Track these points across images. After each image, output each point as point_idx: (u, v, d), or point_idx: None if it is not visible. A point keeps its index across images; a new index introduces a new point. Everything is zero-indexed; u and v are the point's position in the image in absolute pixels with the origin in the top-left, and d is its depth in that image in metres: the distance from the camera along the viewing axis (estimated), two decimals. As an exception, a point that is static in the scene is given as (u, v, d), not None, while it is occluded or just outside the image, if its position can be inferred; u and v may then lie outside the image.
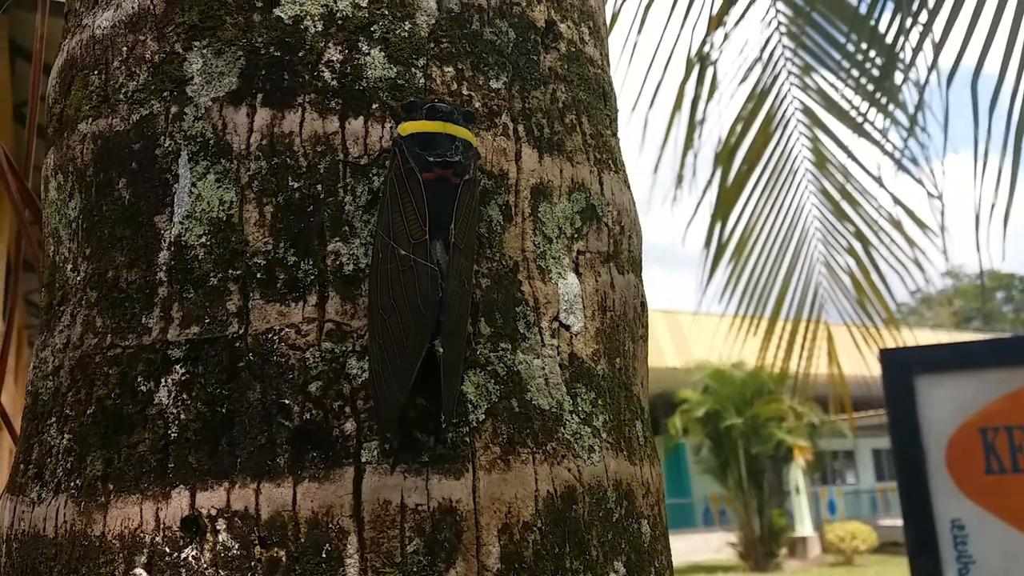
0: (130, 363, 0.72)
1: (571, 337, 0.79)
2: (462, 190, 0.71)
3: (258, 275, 0.72)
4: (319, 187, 0.74)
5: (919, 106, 3.54)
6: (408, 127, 0.72)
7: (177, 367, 0.71)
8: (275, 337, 0.70)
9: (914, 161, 3.99)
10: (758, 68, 4.34)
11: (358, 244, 0.73)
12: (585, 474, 0.75)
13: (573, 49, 0.90)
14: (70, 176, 0.82)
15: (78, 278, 0.79)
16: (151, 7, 0.80)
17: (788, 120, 4.43)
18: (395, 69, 0.77)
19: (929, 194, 4.03)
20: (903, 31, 3.55)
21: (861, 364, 4.72)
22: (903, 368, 3.74)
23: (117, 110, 0.79)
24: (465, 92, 0.79)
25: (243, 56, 0.76)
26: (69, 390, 0.76)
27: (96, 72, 0.82)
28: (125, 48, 0.80)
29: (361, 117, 0.75)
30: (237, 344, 0.70)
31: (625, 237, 0.90)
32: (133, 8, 0.81)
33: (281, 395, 0.69)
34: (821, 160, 4.48)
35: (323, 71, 0.76)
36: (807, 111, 4.38)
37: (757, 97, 4.36)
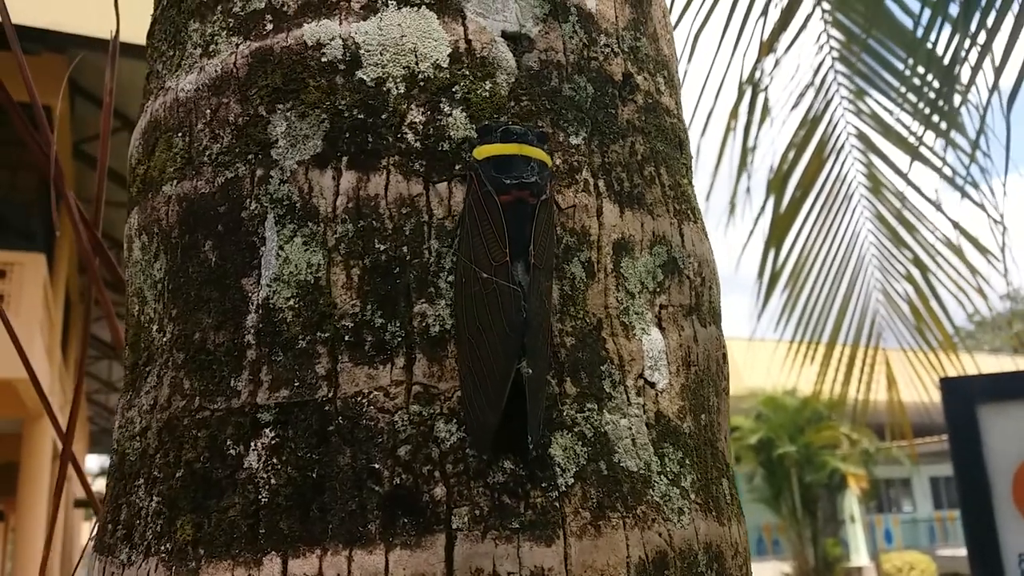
0: (219, 426, 0.73)
1: (657, 395, 0.78)
2: (539, 210, 0.71)
3: (346, 337, 0.72)
4: (404, 249, 0.74)
5: (981, 130, 3.46)
6: (484, 151, 0.72)
7: (267, 431, 0.71)
8: (364, 400, 0.70)
9: (974, 184, 3.90)
10: (810, 93, 4.30)
11: (443, 305, 0.73)
12: (676, 538, 0.74)
13: (650, 100, 0.89)
14: (155, 237, 0.83)
15: (164, 339, 0.79)
16: (234, 71, 0.81)
17: (842, 146, 4.37)
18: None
19: (991, 218, 3.93)
20: (961, 52, 3.49)
21: (920, 390, 4.61)
22: (965, 397, 3.64)
23: (202, 172, 0.80)
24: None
25: (327, 119, 0.77)
26: (157, 452, 0.76)
27: (180, 134, 0.83)
28: (208, 111, 0.82)
29: (445, 179, 0.76)
30: (327, 408, 0.70)
31: (706, 288, 0.88)
32: (216, 71, 0.82)
33: (371, 459, 0.68)
34: (876, 185, 4.41)
35: (406, 133, 0.76)
36: (861, 136, 4.32)
37: (810, 123, 4.32)
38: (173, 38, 0.89)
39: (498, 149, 0.72)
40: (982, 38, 3.34)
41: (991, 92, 3.44)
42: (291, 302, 0.73)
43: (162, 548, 0.72)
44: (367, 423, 0.70)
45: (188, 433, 0.74)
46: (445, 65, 0.79)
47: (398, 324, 0.72)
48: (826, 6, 4.05)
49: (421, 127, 0.77)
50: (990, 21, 3.29)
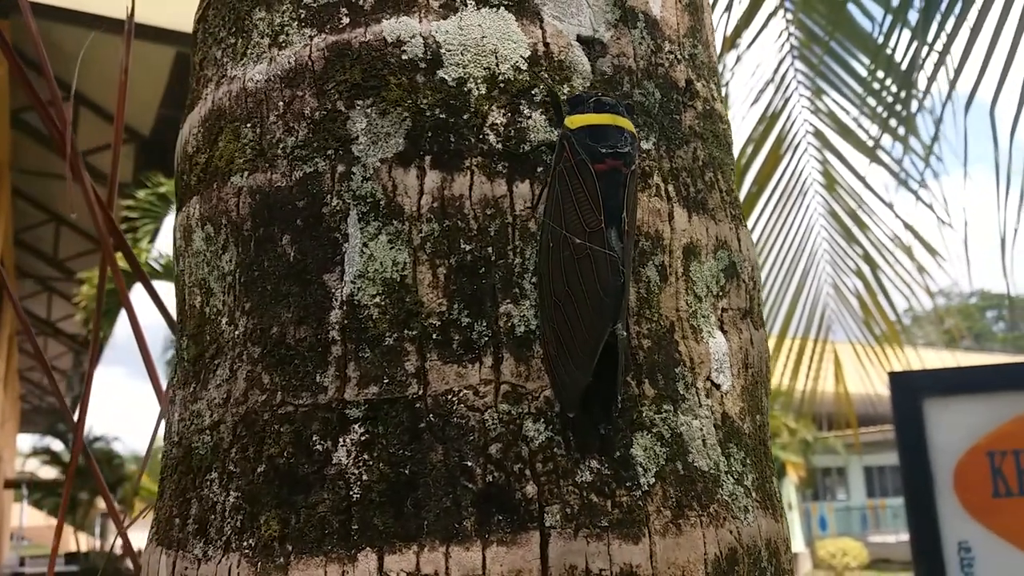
0: (304, 422, 0.73)
1: (722, 396, 0.81)
2: (630, 180, 0.73)
3: (434, 336, 0.73)
4: (490, 249, 0.75)
5: (936, 137, 3.59)
6: (577, 120, 0.74)
7: (356, 427, 0.71)
8: (454, 398, 0.71)
9: (925, 186, 4.03)
10: (770, 90, 4.38)
11: (528, 306, 0.74)
12: (744, 535, 0.77)
13: (708, 107, 0.91)
14: (223, 228, 0.82)
15: (236, 332, 0.79)
16: (309, 63, 0.81)
17: (799, 143, 4.47)
18: (556, 132, 0.78)
19: (940, 220, 4.08)
20: (919, 59, 3.60)
21: (865, 382, 4.76)
22: (911, 391, 3.78)
23: (276, 165, 0.80)
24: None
25: (408, 117, 0.77)
26: (232, 446, 0.76)
27: (249, 125, 0.82)
28: (282, 103, 0.81)
29: (527, 180, 0.77)
30: (418, 405, 0.71)
31: (757, 291, 0.91)
32: (290, 63, 0.82)
33: (463, 457, 0.70)
34: (831, 183, 4.52)
35: (488, 134, 0.77)
36: (818, 134, 4.42)
37: (768, 119, 4.40)
38: (234, 25, 0.87)
39: (592, 119, 0.73)
40: (939, 46, 3.46)
41: (946, 100, 3.56)
42: (377, 299, 0.74)
43: (244, 544, 0.72)
44: (458, 421, 0.71)
45: (270, 428, 0.74)
46: (524, 68, 0.79)
47: (484, 324, 0.73)
48: (789, 5, 4.13)
49: (503, 128, 0.78)
50: (947, 29, 3.40)
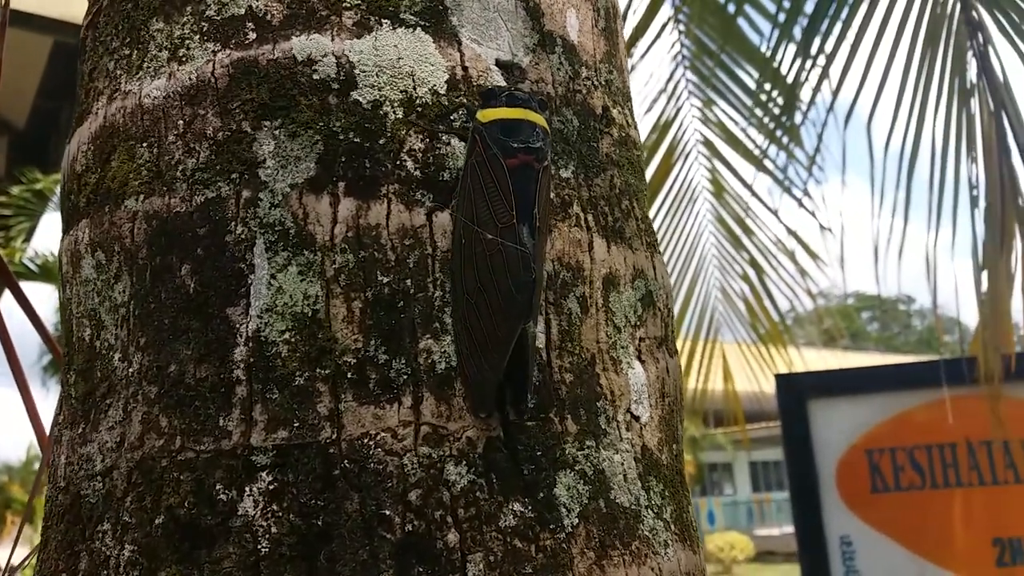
0: (206, 469, 0.68)
1: (641, 428, 0.80)
2: (542, 175, 0.72)
3: (349, 375, 0.69)
4: (408, 282, 0.71)
5: (818, 148, 3.74)
6: (489, 114, 0.72)
7: (263, 474, 0.67)
8: (371, 442, 0.67)
9: (808, 194, 4.20)
10: (662, 100, 4.48)
11: (448, 341, 0.71)
12: (664, 571, 0.76)
13: (623, 134, 0.90)
14: (116, 256, 0.76)
15: (131, 369, 0.73)
16: (212, 80, 0.75)
17: (689, 151, 4.59)
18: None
19: (821, 226, 4.27)
20: (803, 74, 3.75)
21: (751, 380, 4.93)
22: (797, 392, 3.94)
23: (175, 189, 0.74)
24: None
25: (320, 140, 0.73)
26: (127, 495, 0.70)
27: (145, 144, 0.76)
28: (182, 122, 0.75)
29: (447, 209, 0.74)
30: (331, 450, 0.67)
31: (671, 318, 0.91)
32: (191, 79, 0.76)
33: (381, 505, 0.66)
34: (719, 190, 4.66)
35: (405, 160, 0.74)
36: (707, 143, 4.55)
37: (660, 128, 4.49)
38: (128, 35, 0.81)
39: (504, 113, 0.72)
40: (822, 61, 3.61)
41: (828, 113, 3.72)
42: (286, 335, 0.69)
43: (140, 601, 0.67)
44: (375, 466, 0.67)
45: (169, 476, 0.68)
46: (443, 91, 0.76)
47: (403, 361, 0.70)
48: (682, 17, 4.23)
49: (421, 154, 0.74)
50: (828, 48, 3.56)
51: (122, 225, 0.76)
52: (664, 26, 4.18)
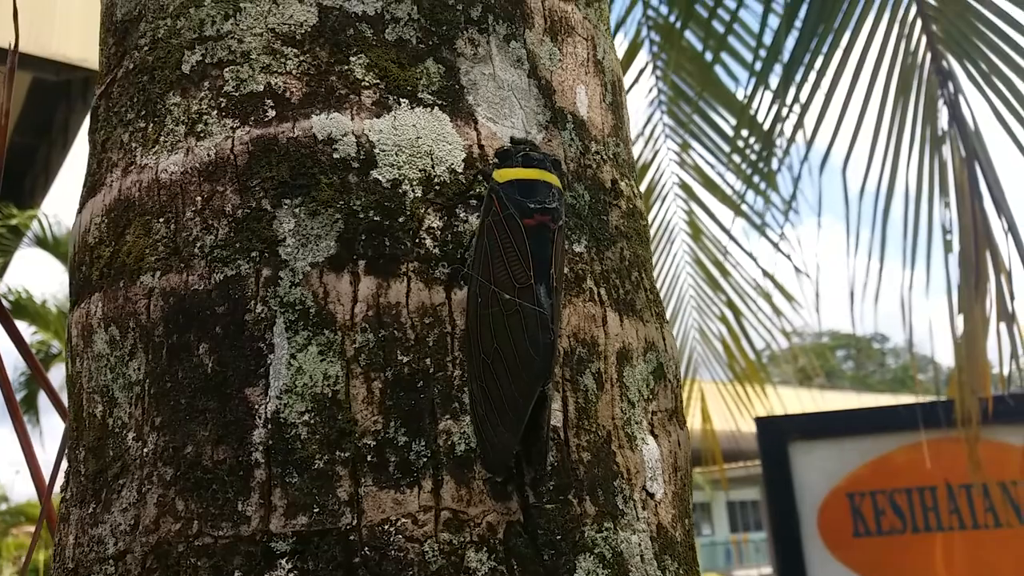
0: (224, 556, 0.67)
1: (656, 505, 0.80)
2: (557, 235, 0.73)
3: (369, 458, 0.68)
4: (428, 361, 0.71)
5: (794, 195, 3.80)
6: (505, 174, 0.73)
7: (283, 562, 0.66)
8: (392, 528, 0.67)
9: (783, 237, 4.26)
10: (640, 142, 4.53)
11: (467, 422, 0.71)
12: (681, 650, 0.76)
13: (631, 205, 0.92)
14: (131, 332, 0.75)
15: (145, 450, 0.72)
16: (231, 157, 0.75)
17: (667, 193, 4.64)
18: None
19: (797, 269, 4.32)
20: (779, 122, 3.82)
21: (728, 419, 4.95)
22: (778, 435, 3.96)
23: (193, 266, 0.74)
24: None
25: (341, 219, 0.73)
26: (141, 579, 0.69)
27: (162, 220, 0.76)
28: (200, 198, 0.75)
29: (466, 287, 0.74)
30: (351, 537, 0.66)
31: (680, 389, 0.91)
32: (209, 156, 0.76)
33: (403, 592, 0.65)
34: (696, 232, 4.71)
35: (424, 238, 0.74)
36: (684, 186, 4.61)
37: (639, 171, 4.55)
38: (144, 108, 0.81)
39: (521, 173, 0.73)
40: (798, 109, 3.68)
41: (804, 159, 3.79)
42: (306, 417, 0.69)
43: None
44: (396, 554, 0.66)
45: (186, 562, 0.67)
46: (460, 170, 0.77)
47: (423, 443, 0.69)
48: (659, 64, 4.30)
49: (439, 232, 0.75)
50: (803, 98, 3.63)
51: (138, 301, 0.75)
52: (642, 71, 4.25)
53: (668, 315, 4.77)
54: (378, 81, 0.77)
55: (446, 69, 0.80)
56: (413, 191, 0.75)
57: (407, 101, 0.78)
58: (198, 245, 0.74)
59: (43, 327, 9.77)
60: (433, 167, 0.76)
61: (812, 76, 3.55)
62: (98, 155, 0.86)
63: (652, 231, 4.53)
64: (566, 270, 0.80)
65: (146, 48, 0.83)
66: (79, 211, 0.86)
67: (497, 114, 0.81)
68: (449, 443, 0.70)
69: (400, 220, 0.74)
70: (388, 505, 0.67)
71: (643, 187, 4.44)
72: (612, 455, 0.77)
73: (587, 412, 0.77)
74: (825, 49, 3.54)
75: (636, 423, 0.81)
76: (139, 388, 0.74)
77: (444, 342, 0.72)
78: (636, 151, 4.41)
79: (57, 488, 0.94)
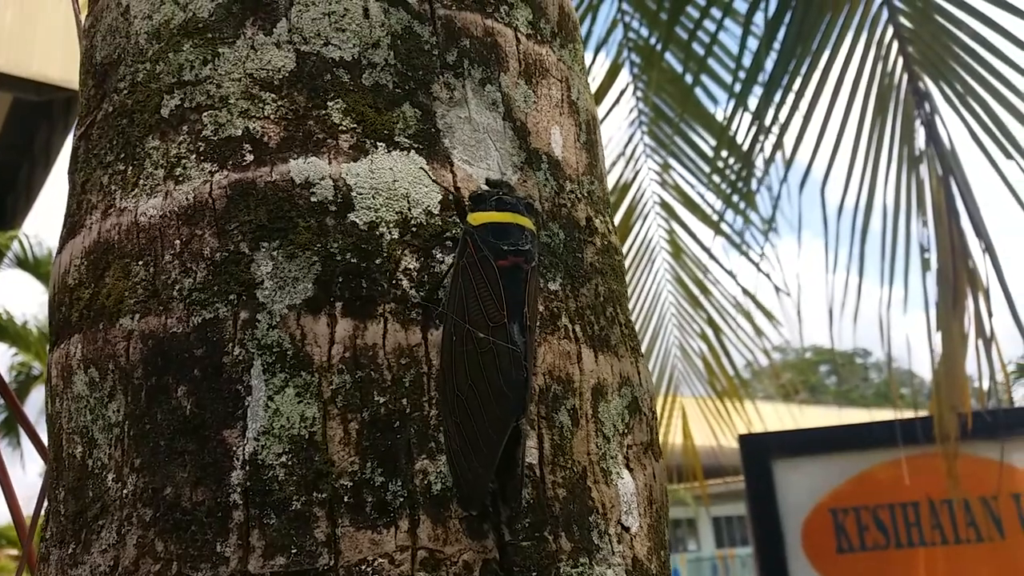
0: (204, 596, 0.67)
1: (631, 539, 0.81)
2: (531, 275, 0.75)
3: (346, 498, 0.69)
4: (404, 401, 0.73)
5: (773, 216, 3.84)
6: (479, 217, 0.75)
7: (262, 602, 0.67)
8: (369, 569, 0.68)
9: (763, 256, 4.30)
10: (621, 163, 4.57)
11: (443, 461, 0.72)
12: None
13: (605, 242, 0.93)
14: (110, 375, 0.76)
15: (125, 491, 0.73)
16: (210, 201, 0.77)
17: (647, 213, 4.67)
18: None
19: (777, 288, 4.36)
20: (758, 142, 3.86)
21: (708, 435, 4.97)
22: (761, 452, 3.98)
23: (171, 309, 0.75)
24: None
25: (318, 261, 0.74)
26: (120, 621, 0.69)
27: (141, 263, 0.77)
28: (179, 242, 0.77)
29: (442, 327, 0.75)
30: (330, 577, 0.67)
31: (655, 421, 0.93)
32: (188, 200, 0.77)
33: (380, 632, 0.66)
34: (677, 251, 4.74)
35: (401, 279, 0.76)
36: (664, 205, 4.64)
37: (619, 190, 4.58)
38: (123, 150, 0.82)
39: (494, 217, 0.75)
40: (776, 130, 3.73)
41: (783, 180, 3.83)
42: (283, 458, 0.70)
43: None
44: (373, 592, 0.67)
45: (165, 603, 0.68)
46: (436, 212, 0.79)
47: (400, 483, 0.71)
48: (640, 85, 4.34)
49: (416, 274, 0.76)
50: (783, 116, 3.68)
51: (117, 343, 0.76)
52: (623, 92, 4.29)
53: (649, 333, 4.80)
54: (355, 125, 0.79)
55: (422, 113, 0.82)
56: (390, 233, 0.76)
57: (384, 145, 0.79)
58: (177, 288, 0.75)
59: (24, 349, 9.70)
60: (410, 209, 0.78)
61: (791, 97, 3.60)
62: (78, 196, 0.87)
63: (633, 250, 4.56)
64: (541, 308, 0.82)
65: (125, 91, 0.85)
66: (59, 251, 0.87)
67: (473, 156, 0.83)
68: (426, 482, 0.71)
69: (377, 262, 0.75)
70: (365, 545, 0.68)
71: (624, 206, 4.48)
72: (588, 490, 0.79)
73: (562, 448, 0.78)
74: (804, 70, 3.59)
75: (611, 458, 0.83)
76: (118, 430, 0.75)
77: (420, 382, 0.73)
78: (617, 170, 4.45)
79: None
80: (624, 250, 4.61)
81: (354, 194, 0.77)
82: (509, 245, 0.74)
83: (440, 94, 0.83)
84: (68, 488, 0.78)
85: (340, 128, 0.79)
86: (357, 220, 0.76)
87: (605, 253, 0.93)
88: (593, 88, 4.13)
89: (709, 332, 4.70)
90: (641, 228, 4.63)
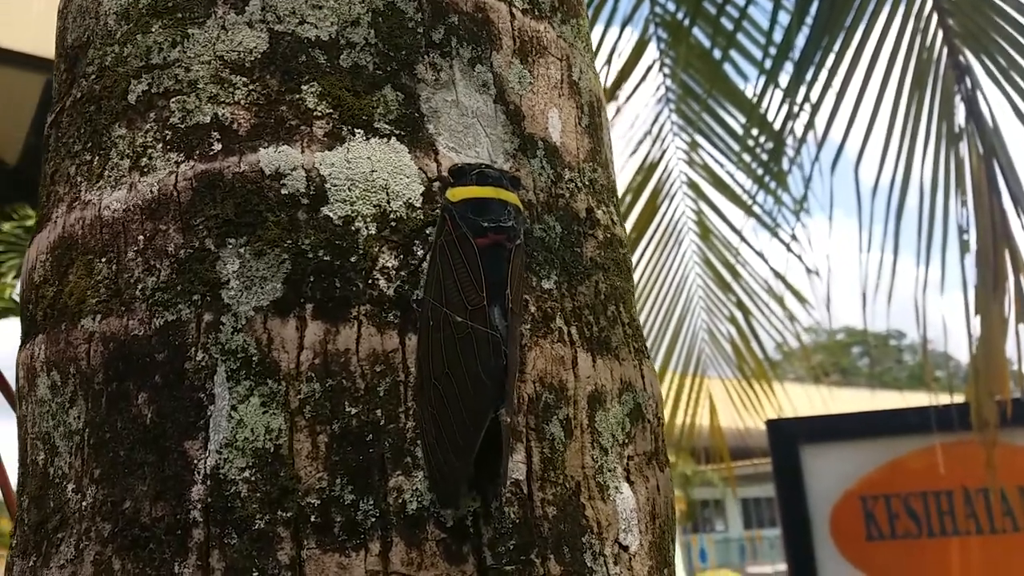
0: (160, 622, 0.63)
1: (630, 559, 0.75)
2: (514, 255, 0.69)
3: (312, 518, 0.64)
4: (379, 412, 0.67)
5: (805, 196, 3.74)
6: (458, 193, 0.69)
7: (221, 630, 0.62)
8: (337, 593, 0.63)
9: (795, 238, 4.19)
10: (648, 142, 4.47)
11: (421, 478, 0.67)
12: None
13: (608, 235, 0.87)
14: (71, 379, 0.71)
15: (84, 503, 0.68)
16: (175, 194, 0.71)
17: (674, 193, 4.57)
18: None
19: (808, 270, 4.24)
20: (790, 120, 3.75)
21: (736, 417, 4.88)
22: (789, 438, 3.89)
23: (134, 310, 0.70)
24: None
25: (288, 259, 0.69)
26: (75, 644, 0.65)
27: (104, 260, 0.72)
28: (142, 237, 0.71)
29: (419, 312, 0.70)
30: (293, 603, 0.62)
31: (661, 428, 0.87)
32: (152, 192, 0.72)
33: (347, 664, 0.61)
34: (705, 232, 4.64)
35: (378, 278, 0.70)
36: (692, 185, 4.54)
37: (646, 170, 4.48)
38: (90, 139, 0.77)
39: (474, 192, 0.69)
40: (808, 108, 3.61)
41: (815, 159, 3.72)
42: (246, 473, 0.65)
43: None
44: (341, 620, 0.62)
45: (120, 628, 0.64)
46: (418, 205, 0.73)
47: (371, 502, 0.65)
48: (667, 61, 4.24)
49: (394, 272, 0.70)
50: (815, 93, 3.56)
51: (78, 346, 0.71)
52: (649, 69, 4.18)
53: (676, 315, 4.71)
54: (331, 111, 0.73)
55: (405, 96, 0.75)
56: (367, 228, 0.71)
57: (362, 132, 0.73)
58: (139, 287, 0.70)
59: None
60: (389, 202, 0.72)
61: (824, 73, 3.48)
62: (47, 187, 0.82)
63: (660, 231, 4.46)
64: (533, 309, 0.76)
65: (93, 76, 0.79)
66: (28, 245, 0.82)
67: (460, 143, 0.76)
68: (400, 501, 0.66)
69: (352, 260, 0.70)
70: (332, 569, 0.63)
71: (651, 186, 4.38)
72: (581, 508, 0.73)
73: (553, 463, 0.72)
74: (837, 46, 3.47)
75: (609, 471, 0.77)
76: (79, 437, 0.70)
77: (396, 392, 0.68)
78: (644, 149, 4.35)
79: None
80: (650, 231, 4.53)
81: (328, 186, 0.71)
82: (489, 222, 0.68)
83: (425, 76, 0.77)
84: (31, 496, 0.73)
85: (315, 114, 0.73)
86: (331, 214, 0.70)
87: (608, 247, 0.86)
88: (619, 65, 4.04)
89: (739, 315, 4.60)
90: (668, 208, 4.53)
